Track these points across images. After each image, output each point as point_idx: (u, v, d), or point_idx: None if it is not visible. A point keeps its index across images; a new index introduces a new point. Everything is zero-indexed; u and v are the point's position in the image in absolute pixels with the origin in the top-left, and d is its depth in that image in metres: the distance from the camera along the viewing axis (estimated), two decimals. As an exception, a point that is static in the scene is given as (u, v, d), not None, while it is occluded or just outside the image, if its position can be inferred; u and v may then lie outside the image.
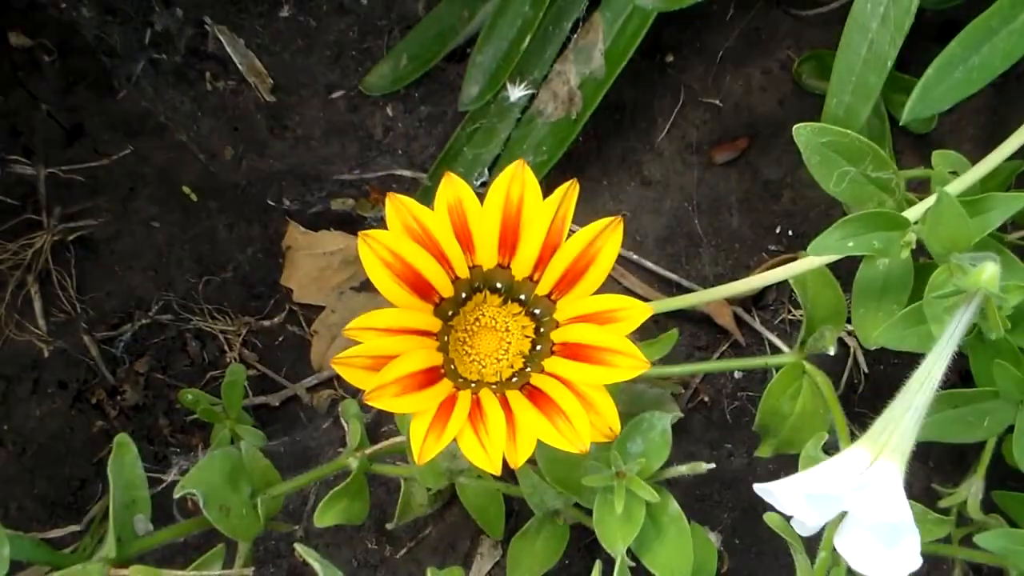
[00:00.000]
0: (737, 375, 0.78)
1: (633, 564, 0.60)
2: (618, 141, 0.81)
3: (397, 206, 0.55)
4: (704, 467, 0.60)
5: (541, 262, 0.56)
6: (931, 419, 0.64)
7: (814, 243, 0.62)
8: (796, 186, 0.80)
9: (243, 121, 0.79)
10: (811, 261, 0.66)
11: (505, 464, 0.68)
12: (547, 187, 0.78)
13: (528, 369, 0.57)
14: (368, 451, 0.66)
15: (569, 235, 0.56)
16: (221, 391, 0.69)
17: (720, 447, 0.76)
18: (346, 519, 0.64)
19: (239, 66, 0.78)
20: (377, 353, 0.54)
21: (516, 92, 0.75)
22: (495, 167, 0.77)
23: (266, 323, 0.77)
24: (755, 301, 0.79)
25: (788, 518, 0.53)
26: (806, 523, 0.50)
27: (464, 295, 0.57)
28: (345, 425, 0.68)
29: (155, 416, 0.75)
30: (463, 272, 0.56)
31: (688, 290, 0.79)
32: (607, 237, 0.56)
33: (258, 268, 0.77)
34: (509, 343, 0.58)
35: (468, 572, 0.73)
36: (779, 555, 0.74)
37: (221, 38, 0.78)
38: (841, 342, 0.77)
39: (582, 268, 0.56)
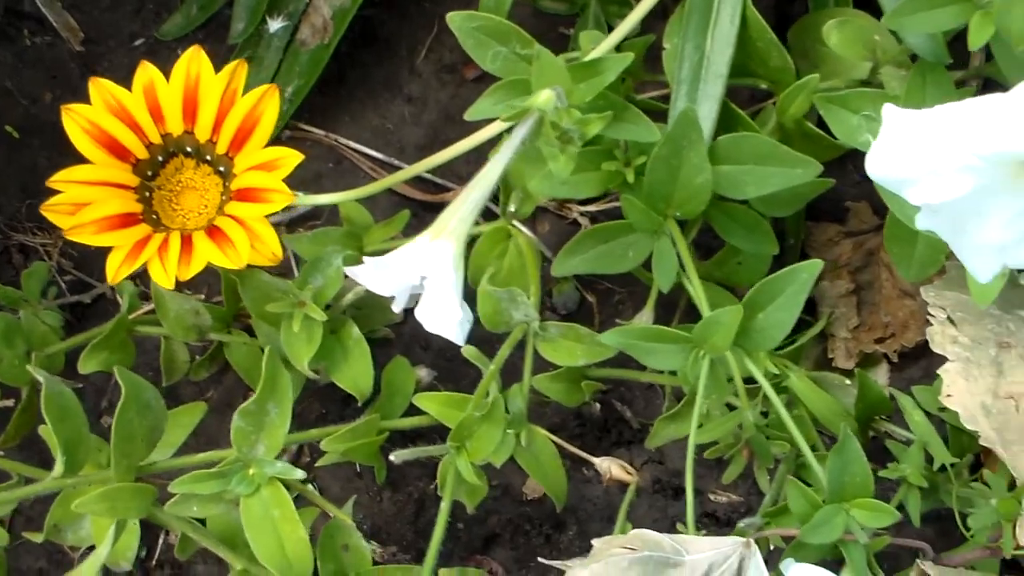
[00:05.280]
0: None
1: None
2: (382, 67, 0.93)
3: (98, 87, 0.69)
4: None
5: (218, 126, 0.69)
6: (586, 254, 0.77)
7: (470, 110, 0.74)
8: (538, 95, 0.92)
9: (59, 69, 0.93)
10: (491, 130, 0.78)
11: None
12: (311, 108, 0.92)
13: (215, 215, 0.70)
14: (132, 315, 0.79)
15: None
16: (21, 282, 0.82)
17: (470, 316, 0.88)
18: (106, 367, 0.77)
19: (54, 23, 0.93)
20: (77, 201, 0.67)
21: (275, 25, 0.89)
22: (270, 93, 0.90)
23: (79, 235, 0.90)
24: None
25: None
26: (384, 294, 0.62)
27: (161, 158, 0.70)
28: (120, 299, 0.81)
29: (-16, 317, 0.88)
30: (156, 138, 0.69)
31: (444, 188, 0.91)
32: (267, 102, 0.69)
33: (73, 190, 0.91)
34: (207, 200, 0.71)
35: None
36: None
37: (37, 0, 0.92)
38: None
39: (250, 128, 0.69)
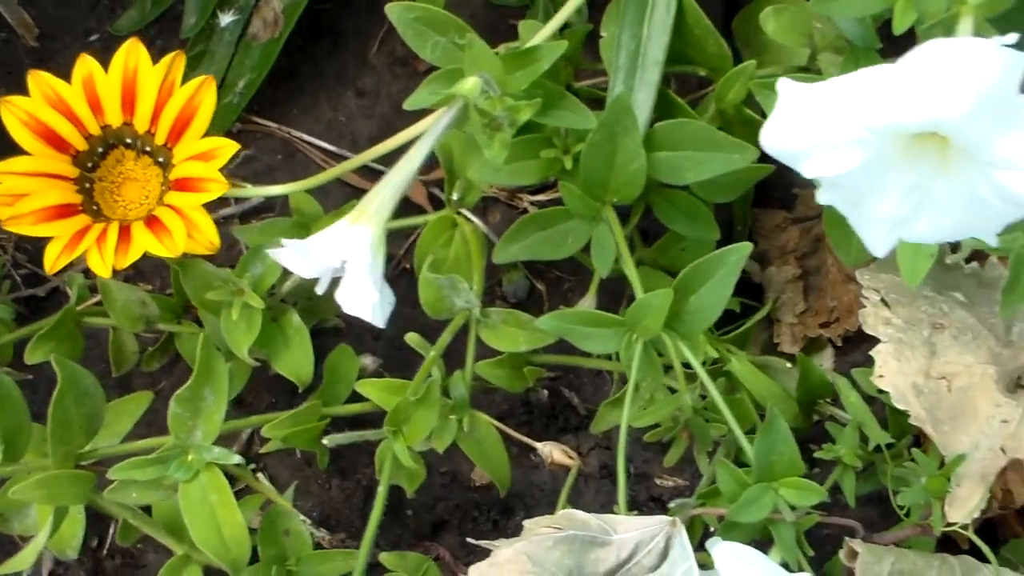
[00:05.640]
0: (440, 248, 0.90)
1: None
2: (335, 60, 0.94)
3: (37, 80, 0.70)
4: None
5: (156, 116, 0.70)
6: (526, 241, 0.77)
7: (409, 99, 0.75)
8: (490, 87, 0.92)
9: (13, 65, 0.94)
10: (433, 119, 0.79)
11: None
12: (264, 102, 0.93)
13: (156, 205, 0.70)
14: (81, 307, 0.80)
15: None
16: (-29, 275, 0.83)
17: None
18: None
19: (8, 19, 0.94)
20: (15, 192, 0.68)
21: (226, 19, 0.90)
22: (223, 86, 0.91)
23: (34, 230, 0.91)
24: (449, 182, 0.92)
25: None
26: (306, 276, 0.63)
27: (101, 149, 0.71)
28: (69, 291, 0.82)
29: (-59, 311, 0.89)
30: (95, 130, 0.70)
31: (395, 179, 0.92)
32: (204, 92, 0.69)
33: (28, 185, 0.92)
34: (148, 191, 0.72)
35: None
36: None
37: (-8, -3, 0.93)
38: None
39: (187, 118, 0.69)
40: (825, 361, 0.84)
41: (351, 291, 0.62)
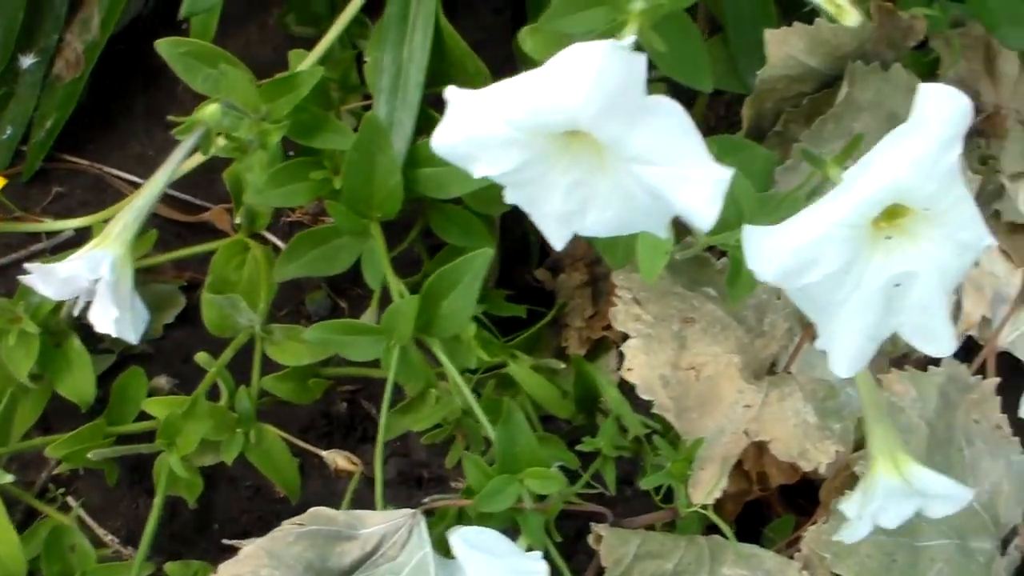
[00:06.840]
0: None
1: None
2: (144, 97, 0.98)
3: None
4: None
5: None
6: (301, 259, 0.81)
7: (177, 129, 0.78)
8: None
9: None
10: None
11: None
12: (74, 139, 0.96)
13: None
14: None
15: None
16: None
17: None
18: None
19: None
20: None
21: (27, 61, 0.93)
22: (33, 125, 0.94)
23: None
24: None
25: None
26: (56, 298, 0.66)
27: None
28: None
29: None
30: None
31: (203, 208, 0.95)
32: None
33: None
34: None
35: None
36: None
37: None
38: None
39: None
40: (611, 362, 0.87)
41: (98, 309, 0.65)
